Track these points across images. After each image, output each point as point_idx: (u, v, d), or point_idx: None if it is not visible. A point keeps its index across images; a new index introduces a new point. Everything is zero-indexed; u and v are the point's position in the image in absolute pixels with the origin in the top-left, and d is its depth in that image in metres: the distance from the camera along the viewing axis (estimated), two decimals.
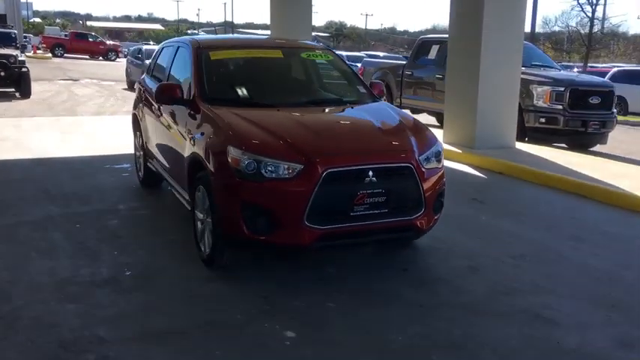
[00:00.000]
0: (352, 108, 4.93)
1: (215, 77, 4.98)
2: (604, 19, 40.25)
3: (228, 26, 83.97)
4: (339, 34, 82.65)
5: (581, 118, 10.26)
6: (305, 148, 3.94)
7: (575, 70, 25.66)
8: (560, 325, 3.65)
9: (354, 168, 3.93)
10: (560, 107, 10.18)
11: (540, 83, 10.26)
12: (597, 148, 11.13)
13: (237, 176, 3.92)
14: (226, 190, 4.01)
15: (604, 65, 35.31)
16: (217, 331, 3.49)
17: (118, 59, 44.61)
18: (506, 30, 8.66)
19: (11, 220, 5.46)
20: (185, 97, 4.81)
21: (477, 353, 3.32)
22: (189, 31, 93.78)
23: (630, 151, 11.24)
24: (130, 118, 7.15)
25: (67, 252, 4.72)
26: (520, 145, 9.49)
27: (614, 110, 10.82)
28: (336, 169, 3.87)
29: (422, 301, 3.96)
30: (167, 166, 5.43)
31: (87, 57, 43.54)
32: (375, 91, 5.39)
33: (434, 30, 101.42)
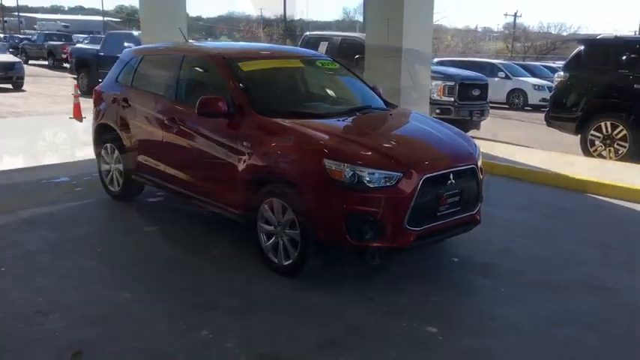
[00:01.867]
0: (392, 114, 5.24)
1: (256, 89, 4.94)
2: None
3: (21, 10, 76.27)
4: (132, 19, 78.20)
5: (468, 108, 11.62)
6: (400, 157, 4.21)
7: None
8: (617, 291, 4.41)
9: (443, 172, 4.30)
10: (452, 99, 11.43)
11: (434, 78, 11.33)
12: (471, 133, 12.58)
13: (339, 187, 4.06)
14: (326, 201, 4.11)
15: None
16: (367, 334, 3.66)
17: None
18: (421, 34, 9.48)
19: (6, 252, 4.82)
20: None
21: (588, 325, 3.84)
22: None
23: (500, 135, 12.83)
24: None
25: (125, 279, 4.41)
26: None
27: (488, 101, 12.38)
28: (431, 175, 4.20)
29: (497, 284, 4.48)
30: (191, 180, 5.21)
31: None
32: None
33: (230, 17, 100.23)
